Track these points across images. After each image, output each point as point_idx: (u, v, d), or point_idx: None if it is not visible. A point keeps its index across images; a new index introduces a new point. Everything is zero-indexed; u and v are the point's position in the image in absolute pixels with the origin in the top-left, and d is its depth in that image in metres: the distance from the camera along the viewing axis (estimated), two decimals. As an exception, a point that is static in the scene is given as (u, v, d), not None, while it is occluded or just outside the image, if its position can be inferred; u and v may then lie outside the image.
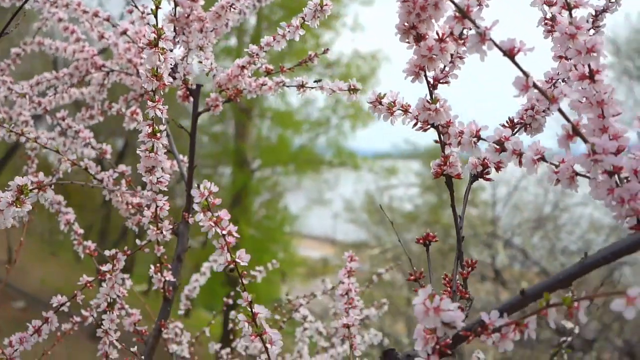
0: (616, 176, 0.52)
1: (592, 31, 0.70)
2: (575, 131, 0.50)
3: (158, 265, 0.95)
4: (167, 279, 0.96)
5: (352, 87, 0.82)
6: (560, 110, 0.50)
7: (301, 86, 0.93)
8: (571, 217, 7.22)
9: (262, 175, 11.88)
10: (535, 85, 0.50)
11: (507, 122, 0.68)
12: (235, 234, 0.62)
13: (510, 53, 0.50)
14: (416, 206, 9.88)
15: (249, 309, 0.64)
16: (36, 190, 0.65)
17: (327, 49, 0.99)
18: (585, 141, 0.50)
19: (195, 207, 0.61)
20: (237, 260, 0.62)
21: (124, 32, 1.03)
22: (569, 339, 1.07)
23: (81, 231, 1.09)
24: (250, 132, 11.58)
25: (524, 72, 0.50)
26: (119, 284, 0.89)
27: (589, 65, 0.53)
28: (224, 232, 0.61)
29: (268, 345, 0.64)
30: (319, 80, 0.93)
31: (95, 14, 1.08)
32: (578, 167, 0.55)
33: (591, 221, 6.78)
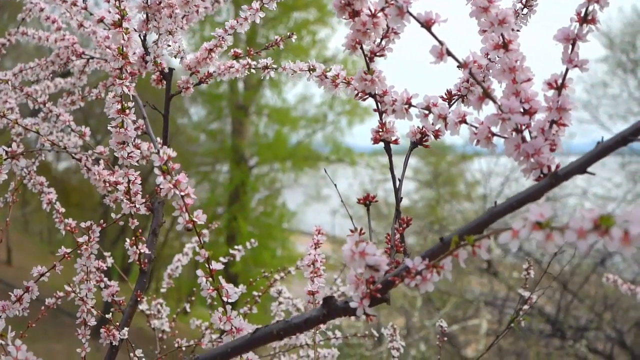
0: (528, 134, 0.58)
1: (525, 10, 0.76)
2: (486, 94, 0.56)
3: (134, 238, 1.01)
4: (142, 251, 1.02)
5: (311, 67, 0.88)
6: (472, 75, 0.56)
7: (265, 67, 0.99)
8: (563, 207, 7.29)
9: (259, 172, 11.94)
10: (448, 52, 0.56)
11: (445, 93, 0.74)
12: (193, 196, 0.67)
13: (427, 24, 0.56)
14: (413, 201, 9.94)
15: (207, 266, 0.70)
16: (10, 160, 0.71)
17: (293, 34, 1.04)
18: (495, 102, 0.56)
19: (156, 170, 0.66)
20: (194, 219, 0.68)
21: (101, 20, 1.09)
22: (526, 306, 1.13)
23: (62, 210, 1.15)
24: (247, 129, 11.63)
25: (440, 42, 0.56)
26: (94, 255, 0.95)
27: (502, 35, 0.59)
28: (183, 194, 0.67)
29: (224, 299, 0.70)
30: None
31: (74, 3, 1.14)
32: (495, 129, 0.61)
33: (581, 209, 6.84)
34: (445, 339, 1.22)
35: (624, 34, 9.00)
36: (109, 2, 1.10)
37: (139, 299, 1.04)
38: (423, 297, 5.81)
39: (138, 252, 1.01)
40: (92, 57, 1.24)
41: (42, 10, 1.24)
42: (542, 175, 0.56)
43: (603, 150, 0.51)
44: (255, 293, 1.37)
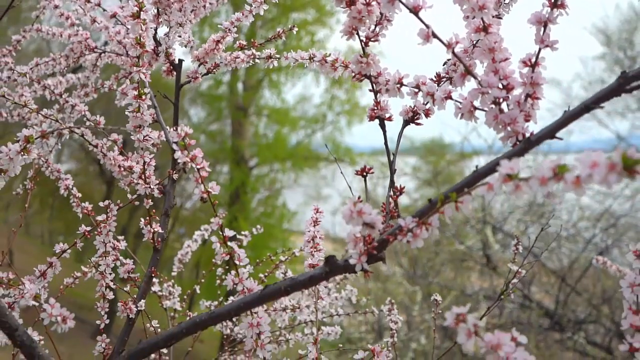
0: (506, 106, 0.66)
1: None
2: (467, 71, 0.64)
3: (148, 218, 1.08)
4: (156, 230, 1.09)
5: (312, 55, 0.95)
6: (454, 54, 0.64)
7: (269, 57, 1.06)
8: (564, 203, 7.36)
9: (259, 173, 12.00)
10: (434, 35, 0.63)
11: (434, 76, 0.81)
12: (208, 169, 0.75)
13: (415, 10, 0.63)
14: (413, 199, 10.02)
15: (221, 233, 0.77)
16: (40, 139, 0.78)
17: (294, 26, 1.12)
18: (475, 78, 0.64)
19: (174, 146, 0.74)
20: (209, 190, 0.75)
21: (114, 16, 1.16)
22: (515, 280, 1.20)
23: (79, 195, 1.22)
24: (247, 130, 11.70)
25: (426, 25, 0.63)
26: (112, 232, 1.03)
27: (482, 20, 0.66)
28: (199, 167, 0.74)
29: (237, 262, 0.77)
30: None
31: (88, 0, 1.21)
32: (477, 103, 0.68)
33: (580, 207, 6.94)
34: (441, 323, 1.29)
35: (621, 31, 9.07)
36: (120, -1, 1.17)
37: (153, 275, 1.11)
38: (423, 292, 5.88)
39: (152, 231, 1.08)
40: (104, 51, 1.31)
41: (56, 7, 1.32)
42: (517, 142, 0.63)
43: (569, 117, 0.59)
44: (261, 275, 1.44)
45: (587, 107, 0.58)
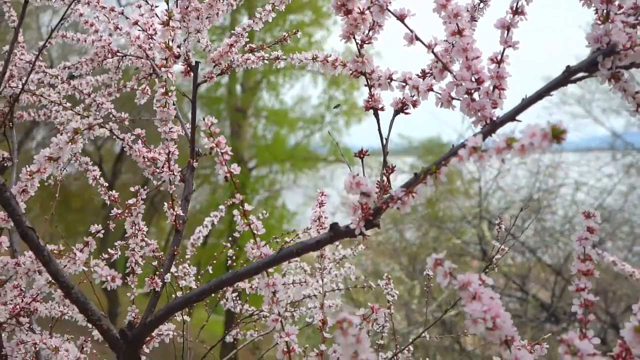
0: (477, 95, 0.80)
1: (482, 4, 0.98)
2: (444, 67, 0.78)
3: (170, 202, 1.22)
4: (177, 213, 1.23)
5: (314, 55, 1.09)
6: (434, 54, 0.78)
7: (277, 58, 1.21)
8: (559, 199, 7.53)
9: (259, 174, 12.14)
10: (417, 38, 0.77)
11: (420, 72, 0.95)
12: (230, 152, 0.89)
13: (401, 17, 0.77)
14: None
15: (241, 207, 0.91)
16: (87, 130, 0.92)
17: (297, 30, 1.26)
18: (451, 73, 0.78)
19: (202, 133, 0.88)
20: (232, 170, 0.89)
21: (136, 23, 1.30)
22: (499, 256, 1.34)
23: (106, 184, 1.36)
24: (246, 131, 11.84)
25: (410, 30, 0.78)
26: (141, 213, 1.17)
27: (457, 25, 0.80)
28: (222, 151, 0.88)
29: (255, 231, 0.91)
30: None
31: (112, 9, 1.35)
32: (453, 94, 0.82)
33: (574, 201, 7.10)
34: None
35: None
36: (140, 7, 1.32)
37: (175, 253, 1.25)
38: (421, 287, 6.02)
39: (175, 213, 1.22)
40: (125, 55, 1.45)
41: (81, 15, 1.46)
42: (485, 124, 0.77)
43: (526, 103, 0.73)
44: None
45: (540, 94, 0.72)
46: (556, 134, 0.54)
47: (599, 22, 0.71)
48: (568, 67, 0.72)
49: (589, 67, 0.70)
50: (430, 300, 6.49)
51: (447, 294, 5.81)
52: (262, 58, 1.21)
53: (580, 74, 0.72)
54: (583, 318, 0.76)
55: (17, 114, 1.60)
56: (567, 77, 0.72)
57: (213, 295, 1.95)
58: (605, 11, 0.70)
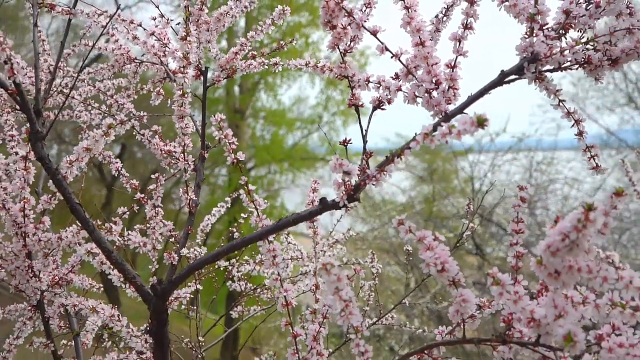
0: (435, 94, 1.00)
1: (444, 17, 1.18)
2: (409, 71, 0.98)
3: (185, 187, 1.42)
4: (191, 197, 1.43)
5: (307, 62, 1.29)
6: (400, 61, 0.98)
7: (276, 64, 1.41)
8: (551, 194, 7.74)
9: (257, 174, 12.33)
10: (386, 48, 0.97)
11: (394, 74, 1.15)
12: (236, 142, 1.09)
13: (373, 32, 0.98)
14: (410, 197, 10.39)
15: (246, 187, 1.11)
16: (120, 124, 1.12)
17: (292, 40, 1.46)
18: (414, 76, 0.98)
19: (213, 127, 1.08)
20: (238, 157, 1.10)
21: (152, 33, 1.50)
22: (468, 232, 1.54)
23: (127, 175, 1.56)
24: (244, 132, 12.03)
25: (381, 42, 0.98)
26: (160, 197, 1.37)
27: (419, 37, 1.00)
28: (230, 142, 1.09)
29: (257, 207, 1.11)
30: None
31: (131, 22, 1.55)
32: (417, 93, 1.02)
33: (564, 196, 7.32)
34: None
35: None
36: (154, 19, 1.52)
37: (189, 232, 1.45)
38: (416, 279, 6.23)
39: (189, 198, 1.43)
40: (142, 61, 1.65)
41: (104, 27, 1.66)
42: (441, 117, 0.97)
43: (471, 100, 0.93)
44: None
45: (481, 93, 0.93)
46: (480, 122, 0.75)
47: (525, 36, 0.91)
48: (502, 71, 0.92)
49: (518, 71, 0.91)
50: (425, 292, 6.72)
51: (440, 287, 6.01)
52: (262, 64, 1.41)
53: (512, 77, 0.93)
54: (515, 265, 0.96)
55: (45, 114, 1.80)
56: (502, 78, 0.92)
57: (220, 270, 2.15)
58: (530, 27, 0.91)
